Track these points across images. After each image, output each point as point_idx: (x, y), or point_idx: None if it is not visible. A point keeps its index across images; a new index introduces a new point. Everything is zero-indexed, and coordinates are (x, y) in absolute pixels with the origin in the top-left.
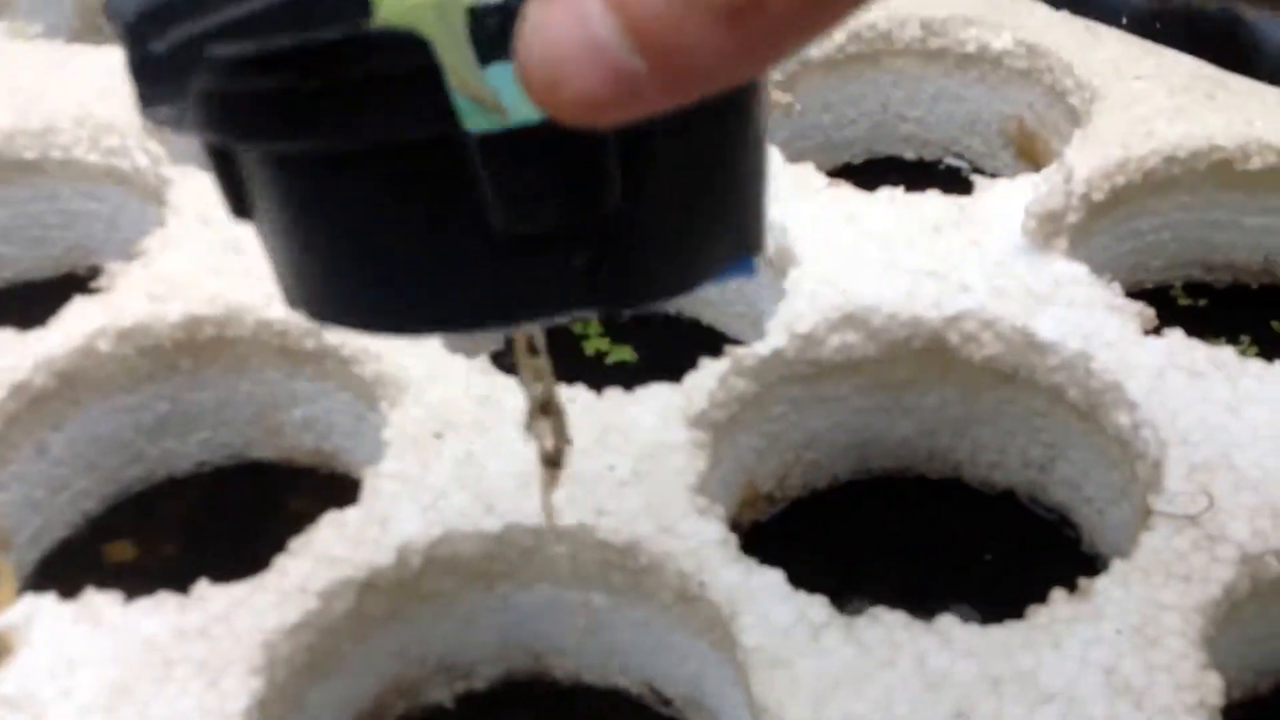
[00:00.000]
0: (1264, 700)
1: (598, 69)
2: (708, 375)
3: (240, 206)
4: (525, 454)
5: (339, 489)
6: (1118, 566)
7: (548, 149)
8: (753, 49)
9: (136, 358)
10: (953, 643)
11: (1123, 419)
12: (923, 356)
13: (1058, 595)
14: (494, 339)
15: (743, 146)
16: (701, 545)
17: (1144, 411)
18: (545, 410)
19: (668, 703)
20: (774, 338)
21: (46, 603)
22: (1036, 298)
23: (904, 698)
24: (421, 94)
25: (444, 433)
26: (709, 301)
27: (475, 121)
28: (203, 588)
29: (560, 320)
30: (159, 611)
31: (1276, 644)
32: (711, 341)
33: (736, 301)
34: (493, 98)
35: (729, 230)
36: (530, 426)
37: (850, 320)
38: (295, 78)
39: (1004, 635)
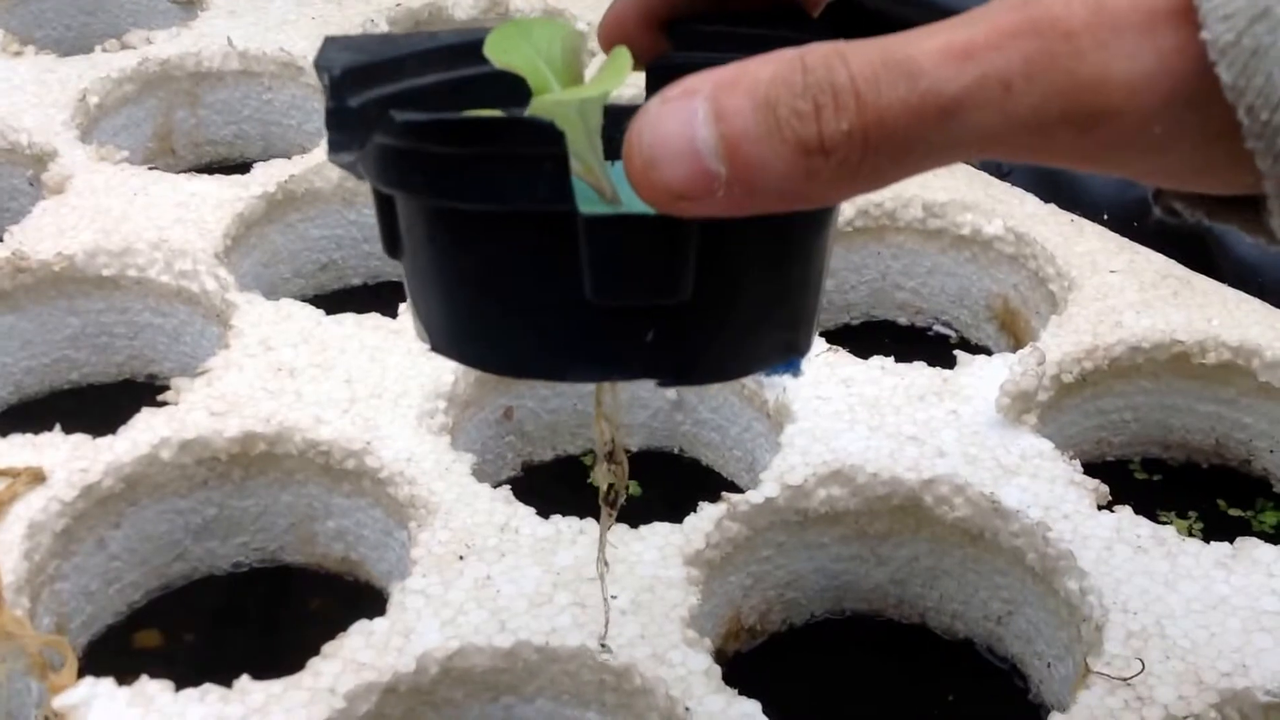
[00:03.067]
0: None
1: (688, 163)
2: (705, 518)
3: (393, 247)
4: (537, 578)
5: (357, 595)
6: (1056, 719)
7: (640, 238)
8: (815, 183)
9: (194, 466)
10: None
11: (1072, 584)
12: (899, 513)
13: None
14: (512, 465)
15: (804, 262)
16: (689, 674)
17: (1092, 579)
18: (611, 458)
19: None
20: (767, 487)
21: (104, 687)
22: (1005, 468)
23: None
24: (550, 175)
25: (466, 555)
26: (711, 445)
27: (588, 205)
28: (244, 682)
29: (624, 380)
30: (204, 701)
31: None
32: (710, 482)
33: (735, 448)
34: (610, 189)
35: (782, 332)
36: (595, 470)
37: (837, 476)
38: (454, 145)
39: None
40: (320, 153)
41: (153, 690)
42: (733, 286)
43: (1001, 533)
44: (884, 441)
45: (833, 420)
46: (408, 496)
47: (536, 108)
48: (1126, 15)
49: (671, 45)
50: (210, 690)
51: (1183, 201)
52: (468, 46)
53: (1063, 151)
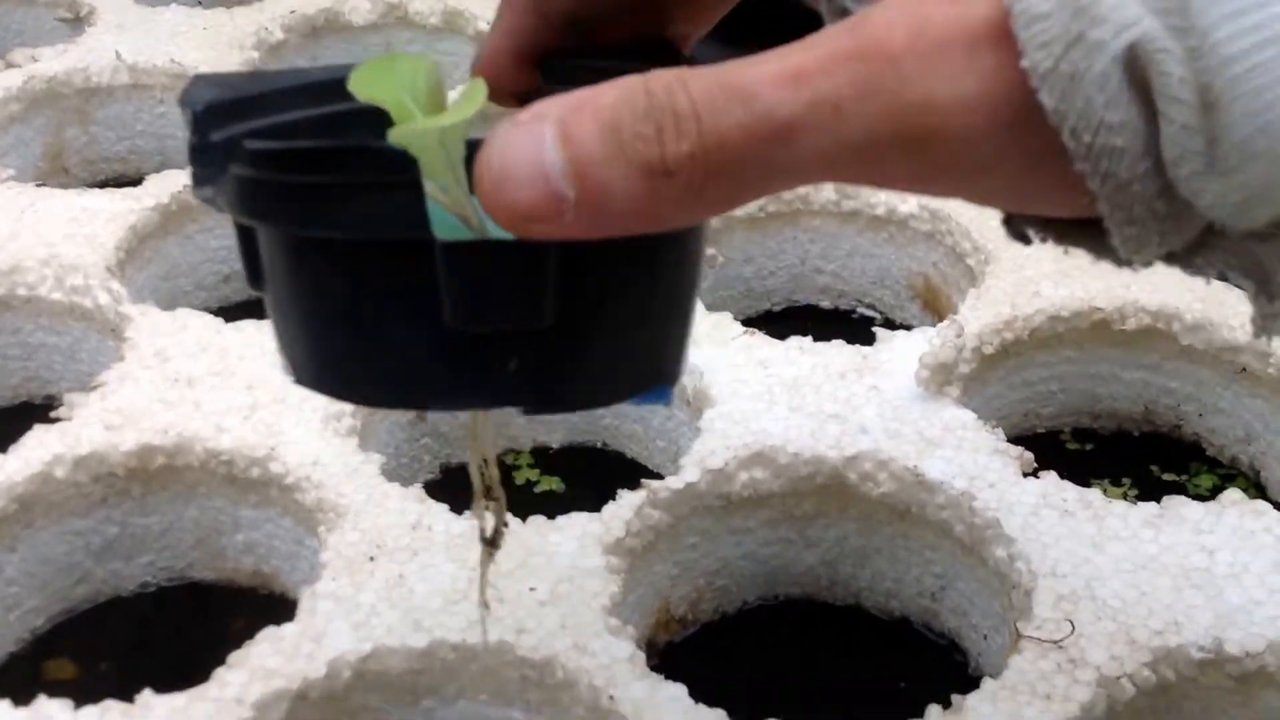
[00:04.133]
0: None
1: (537, 185)
2: (625, 506)
3: (255, 279)
4: (453, 574)
5: (277, 609)
6: (988, 685)
7: (497, 263)
8: (661, 204)
9: (90, 484)
10: None
11: (1000, 552)
12: (824, 492)
13: (933, 711)
14: (429, 468)
15: (668, 287)
16: (612, 662)
17: (1019, 546)
18: (489, 494)
19: None
20: (687, 472)
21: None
22: (928, 441)
23: None
24: (404, 202)
25: (377, 556)
26: (633, 437)
27: (444, 231)
28: (146, 696)
29: (488, 408)
30: (104, 718)
31: None
32: (635, 474)
33: (659, 438)
34: (475, 217)
35: (650, 361)
36: (474, 508)
37: (759, 458)
38: (307, 174)
39: None
40: None
41: (51, 710)
42: (596, 312)
43: (928, 506)
44: (805, 421)
45: (752, 402)
46: (315, 501)
47: (396, 136)
48: (948, 38)
49: (543, 80)
50: (110, 708)
51: (1032, 225)
52: (335, 83)
53: (899, 175)
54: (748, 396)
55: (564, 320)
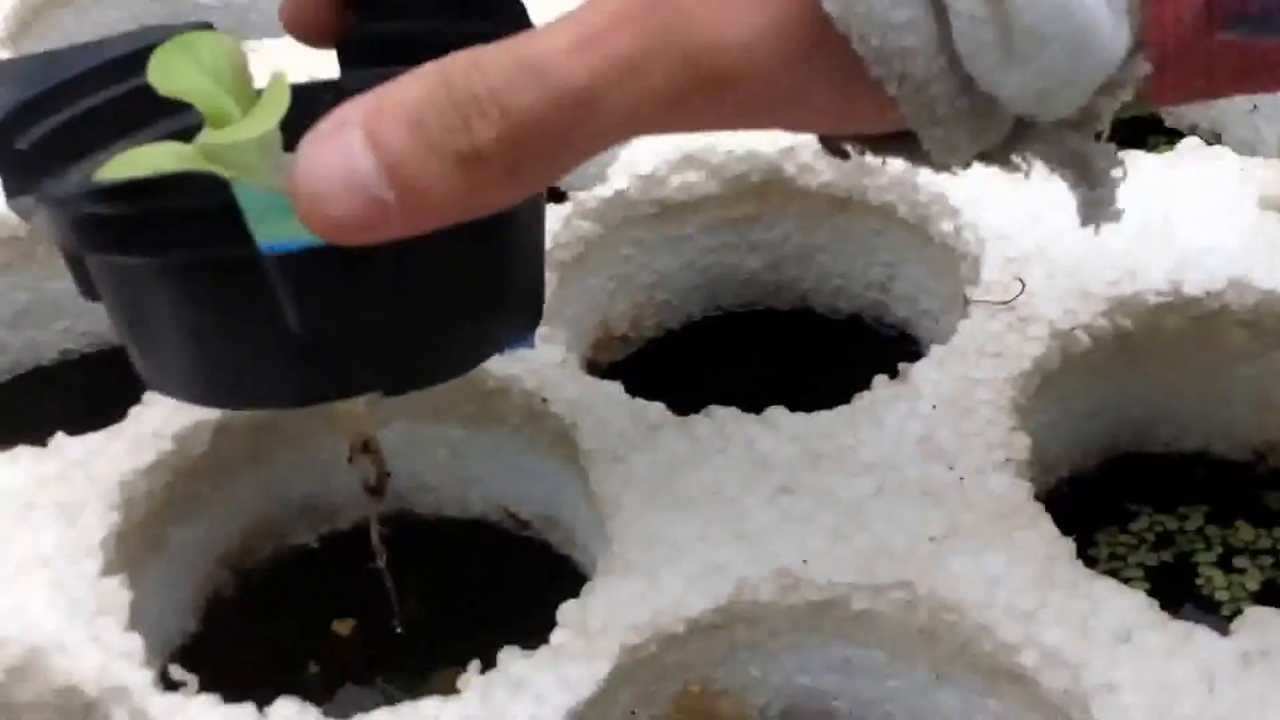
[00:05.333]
0: (1090, 477)
1: (354, 196)
2: (552, 218)
3: (89, 292)
4: None
5: None
6: (935, 351)
7: (328, 266)
8: (481, 191)
9: None
10: (779, 428)
11: (947, 226)
12: (763, 190)
13: (879, 380)
14: None
15: (506, 255)
16: (543, 367)
17: (966, 215)
18: (366, 448)
19: (525, 525)
20: (616, 180)
21: None
22: None
23: (733, 478)
24: (223, 222)
25: None
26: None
27: (268, 242)
28: (59, 438)
29: (350, 398)
30: (15, 463)
31: (1098, 422)
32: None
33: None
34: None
35: (501, 320)
36: (354, 462)
37: (690, 160)
38: (118, 207)
39: (828, 419)
40: None
41: None
42: (439, 291)
43: (870, 190)
44: None
45: None
46: None
47: (208, 152)
48: None
49: (361, 16)
50: (21, 452)
51: (847, 141)
52: (137, 56)
53: (707, 119)
54: None
55: (409, 304)
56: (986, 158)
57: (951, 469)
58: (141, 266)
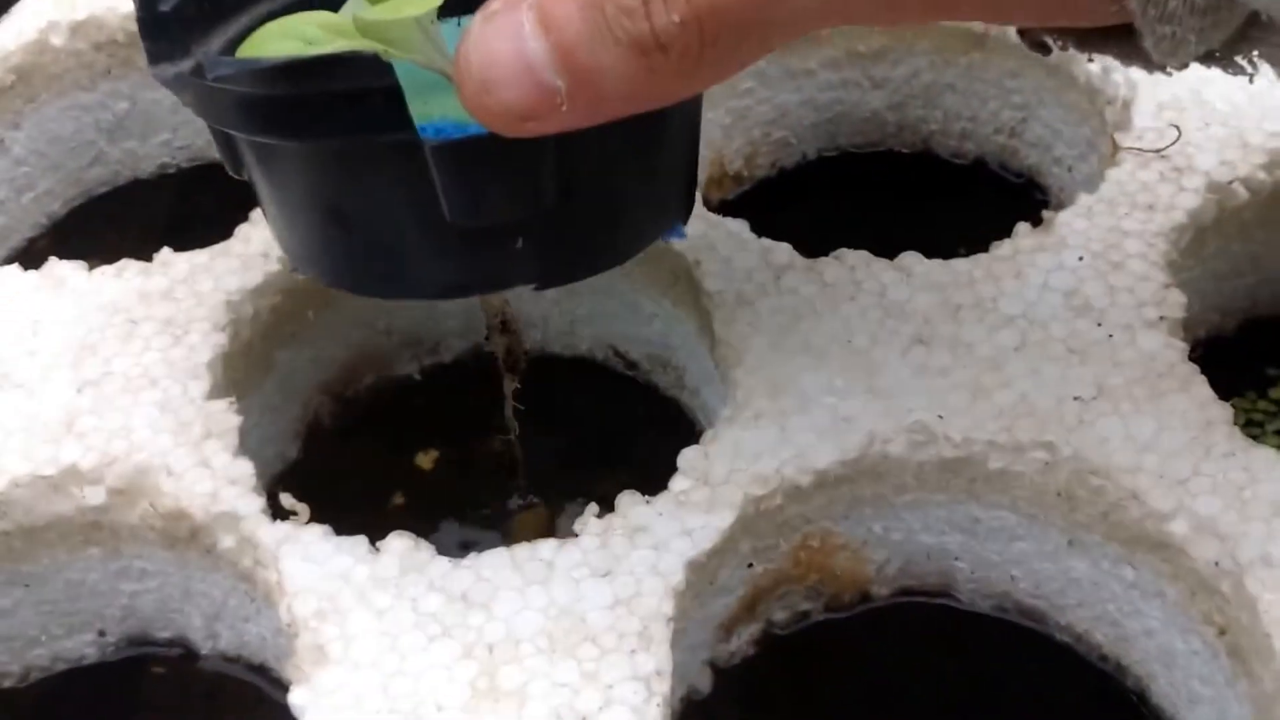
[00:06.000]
0: (1227, 339)
1: (524, 81)
2: None
3: (237, 168)
4: None
5: None
6: (1083, 200)
7: (491, 156)
8: (659, 81)
9: (91, 52)
10: (914, 276)
11: (1093, 66)
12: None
13: (1021, 228)
14: None
15: (670, 146)
16: None
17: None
18: (505, 328)
19: (633, 365)
20: None
21: (8, 273)
22: None
23: (863, 328)
24: (386, 106)
25: None
26: None
27: (426, 124)
28: (165, 254)
29: (500, 292)
30: (121, 277)
31: (1239, 281)
32: None
33: None
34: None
35: (656, 211)
36: (490, 340)
37: None
38: (282, 88)
39: (966, 267)
40: None
41: (63, 272)
42: (598, 184)
43: (1010, 28)
44: None
45: None
46: None
47: (365, 28)
48: None
49: None
50: (128, 265)
51: (1051, 34)
52: None
53: (914, 4)
54: None
55: (567, 196)
56: (1208, 58)
57: (1100, 325)
58: (298, 149)
